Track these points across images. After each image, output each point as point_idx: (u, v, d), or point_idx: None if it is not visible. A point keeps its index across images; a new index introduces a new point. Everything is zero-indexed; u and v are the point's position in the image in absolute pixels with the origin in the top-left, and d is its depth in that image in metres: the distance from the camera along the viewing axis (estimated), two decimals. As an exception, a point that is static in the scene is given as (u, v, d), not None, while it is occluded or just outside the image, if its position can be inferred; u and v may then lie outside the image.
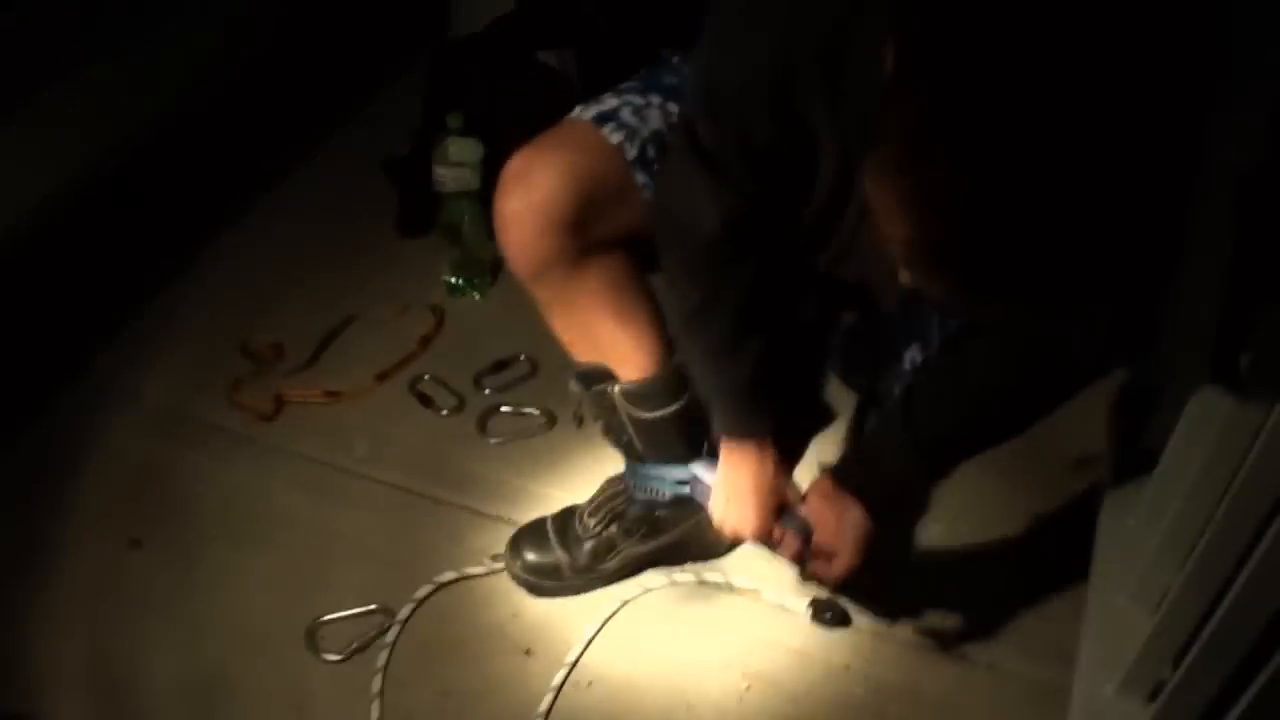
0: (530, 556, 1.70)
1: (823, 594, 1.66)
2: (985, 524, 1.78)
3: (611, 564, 1.69)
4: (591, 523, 1.68)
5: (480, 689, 1.61)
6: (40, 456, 1.92)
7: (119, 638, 1.67)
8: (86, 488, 1.87)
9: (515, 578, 1.71)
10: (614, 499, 1.68)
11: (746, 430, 1.46)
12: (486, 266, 2.21)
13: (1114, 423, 1.81)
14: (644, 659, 1.64)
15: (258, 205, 2.42)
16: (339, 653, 1.63)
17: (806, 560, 1.48)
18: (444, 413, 1.98)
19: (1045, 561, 1.73)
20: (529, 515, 1.79)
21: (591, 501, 1.70)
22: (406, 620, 1.67)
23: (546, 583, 1.70)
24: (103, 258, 2.22)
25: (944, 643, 1.63)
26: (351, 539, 1.79)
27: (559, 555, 1.68)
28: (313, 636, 1.66)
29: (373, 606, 1.68)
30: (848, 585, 1.53)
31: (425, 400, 2.00)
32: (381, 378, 2.04)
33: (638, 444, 1.58)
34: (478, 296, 2.20)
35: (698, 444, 1.57)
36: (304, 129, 2.56)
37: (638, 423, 1.54)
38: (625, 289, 1.46)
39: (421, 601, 1.69)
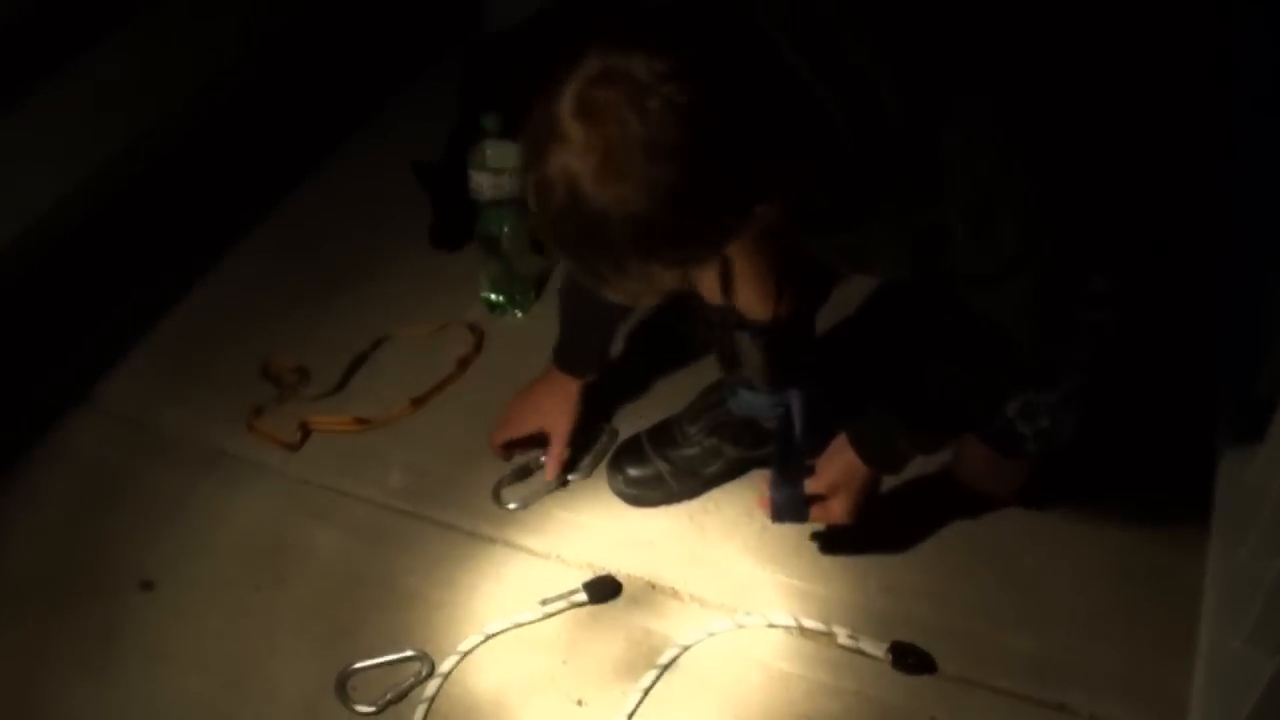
0: (632, 471, 1.89)
1: (904, 638, 1.69)
2: (1083, 558, 1.79)
3: (715, 468, 1.88)
4: (693, 430, 1.88)
5: (528, 744, 1.62)
6: (42, 491, 1.95)
7: (129, 688, 1.70)
8: (93, 525, 1.91)
9: (619, 494, 1.90)
10: (714, 408, 1.87)
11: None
12: (529, 281, 2.22)
13: (1222, 373, 1.86)
14: (706, 710, 1.65)
15: (277, 216, 2.44)
16: (372, 704, 1.65)
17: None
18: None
19: (1152, 599, 1.73)
20: (580, 552, 1.84)
21: (691, 410, 1.90)
22: (449, 673, 1.69)
23: (652, 493, 1.88)
24: (109, 274, 2.25)
25: (1040, 690, 1.64)
26: (385, 579, 1.81)
27: (659, 465, 1.87)
28: (343, 686, 1.67)
29: (409, 653, 1.70)
30: (849, 519, 1.67)
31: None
32: (417, 403, 2.06)
33: (754, 372, 1.78)
34: (519, 314, 2.21)
35: (798, 379, 1.75)
36: (327, 132, 2.58)
37: (758, 355, 1.75)
38: (767, 255, 1.63)
39: (466, 654, 1.71)
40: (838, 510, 1.65)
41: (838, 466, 1.64)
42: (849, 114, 1.23)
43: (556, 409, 1.88)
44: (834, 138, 1.24)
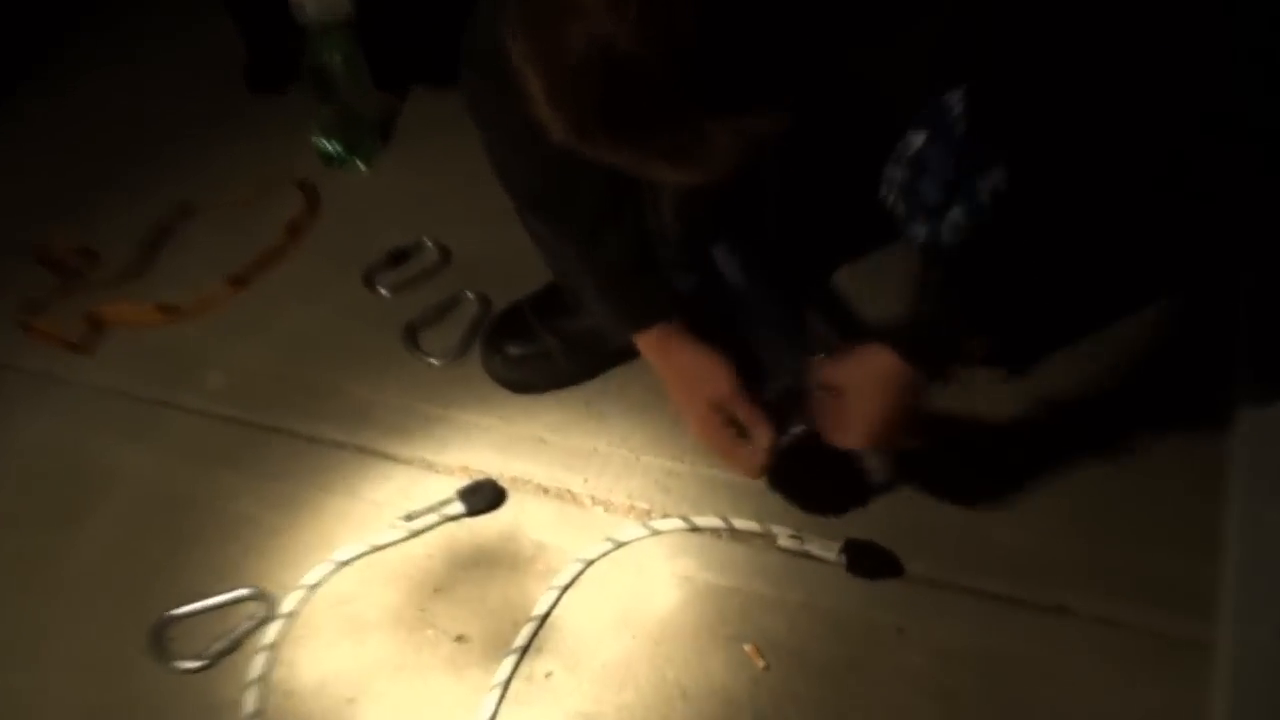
0: (513, 350, 1.84)
1: (860, 535, 1.64)
2: (1076, 433, 1.75)
3: (618, 340, 1.77)
4: None
5: (398, 693, 1.58)
6: None
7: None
8: None
9: (497, 378, 1.86)
10: None
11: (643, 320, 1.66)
12: (372, 124, 2.23)
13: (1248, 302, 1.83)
14: (617, 637, 1.61)
15: (50, 61, 2.49)
16: (198, 657, 1.61)
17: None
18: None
19: (1164, 477, 1.68)
20: (452, 454, 1.80)
21: None
22: (293, 612, 1.65)
23: (538, 376, 1.84)
24: None
25: (1031, 592, 1.59)
26: (208, 504, 1.78)
27: (548, 340, 1.81)
28: (159, 638, 1.63)
29: (242, 592, 1.67)
30: (890, 442, 1.59)
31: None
32: (236, 284, 2.03)
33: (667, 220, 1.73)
34: (363, 166, 2.22)
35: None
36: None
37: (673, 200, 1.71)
38: None
39: (314, 588, 1.67)
40: (860, 424, 1.54)
41: (864, 364, 1.53)
42: None
43: (704, 370, 1.66)
44: None
